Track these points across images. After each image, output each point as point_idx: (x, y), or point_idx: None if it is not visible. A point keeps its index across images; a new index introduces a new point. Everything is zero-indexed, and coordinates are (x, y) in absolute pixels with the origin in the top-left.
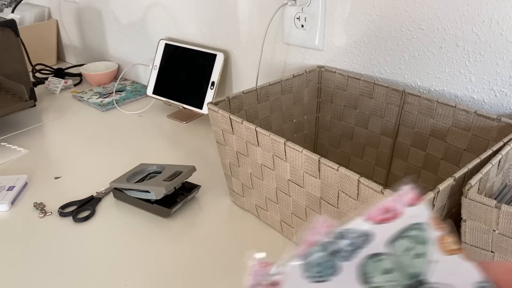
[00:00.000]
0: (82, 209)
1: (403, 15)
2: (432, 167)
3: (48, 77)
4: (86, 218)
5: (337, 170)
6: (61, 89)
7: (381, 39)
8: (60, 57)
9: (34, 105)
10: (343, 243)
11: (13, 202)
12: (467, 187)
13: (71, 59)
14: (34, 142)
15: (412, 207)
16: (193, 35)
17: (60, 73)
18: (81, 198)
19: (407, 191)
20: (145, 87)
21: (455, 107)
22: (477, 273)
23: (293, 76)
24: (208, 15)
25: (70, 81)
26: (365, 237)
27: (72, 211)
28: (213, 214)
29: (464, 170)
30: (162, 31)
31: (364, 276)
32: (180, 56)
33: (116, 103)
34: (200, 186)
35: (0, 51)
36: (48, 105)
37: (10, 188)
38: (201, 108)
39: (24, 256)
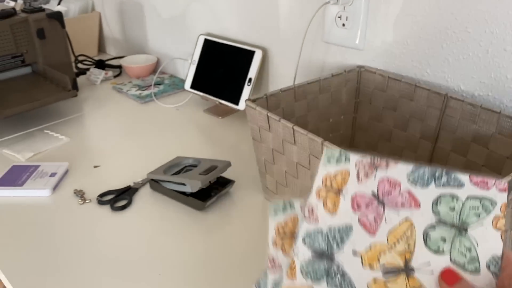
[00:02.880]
0: (120, 198)
1: (449, 17)
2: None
3: (89, 68)
4: (123, 207)
5: None
6: (102, 80)
7: (424, 40)
8: (101, 49)
9: (76, 95)
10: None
11: (55, 188)
12: None
13: (111, 51)
14: (75, 131)
15: (499, 192)
16: (232, 31)
17: (101, 65)
18: (118, 188)
19: (504, 182)
20: (183, 81)
21: (499, 113)
22: (499, 250)
23: (332, 76)
24: (248, 11)
25: (110, 73)
26: (460, 185)
27: (110, 200)
28: (246, 210)
29: None
30: (202, 26)
31: (437, 201)
32: (219, 51)
33: (154, 96)
34: (234, 181)
35: (46, 42)
36: (88, 95)
37: (52, 175)
38: (237, 104)
39: (63, 240)
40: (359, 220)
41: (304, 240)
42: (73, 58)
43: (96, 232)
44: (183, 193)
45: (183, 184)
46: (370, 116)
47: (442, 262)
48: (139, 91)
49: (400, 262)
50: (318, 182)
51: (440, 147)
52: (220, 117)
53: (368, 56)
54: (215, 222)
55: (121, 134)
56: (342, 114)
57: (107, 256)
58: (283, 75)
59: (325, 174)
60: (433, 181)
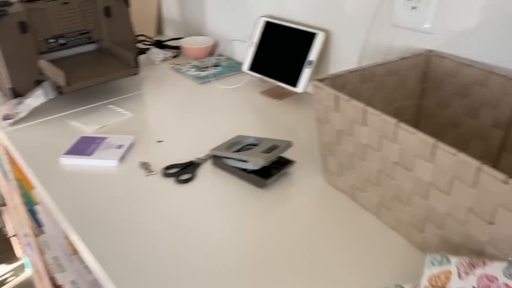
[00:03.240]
0: (183, 172)
1: None
2: None
3: (149, 48)
4: (187, 181)
5: (455, 155)
6: (161, 60)
7: (502, 24)
8: (158, 30)
9: (138, 72)
10: None
11: (121, 159)
12: None
13: (169, 32)
14: (137, 107)
15: None
16: (294, 12)
17: (159, 45)
18: (181, 162)
19: None
20: (240, 63)
21: None
22: None
23: (401, 59)
24: None
25: (169, 53)
26: None
27: (175, 173)
28: (305, 191)
29: None
30: (262, 8)
31: None
32: (279, 33)
33: (212, 77)
34: (294, 161)
35: (112, 20)
36: (148, 74)
37: (119, 147)
38: (296, 86)
39: (129, 207)
40: None
41: None
42: None
43: (160, 202)
44: (244, 170)
45: (246, 161)
46: (437, 102)
47: None
48: (198, 72)
49: None
50: (424, 283)
51: None
52: (277, 100)
53: (439, 40)
54: (274, 201)
55: (181, 112)
56: (408, 99)
57: (170, 225)
58: (345, 59)
59: (430, 276)
60: None
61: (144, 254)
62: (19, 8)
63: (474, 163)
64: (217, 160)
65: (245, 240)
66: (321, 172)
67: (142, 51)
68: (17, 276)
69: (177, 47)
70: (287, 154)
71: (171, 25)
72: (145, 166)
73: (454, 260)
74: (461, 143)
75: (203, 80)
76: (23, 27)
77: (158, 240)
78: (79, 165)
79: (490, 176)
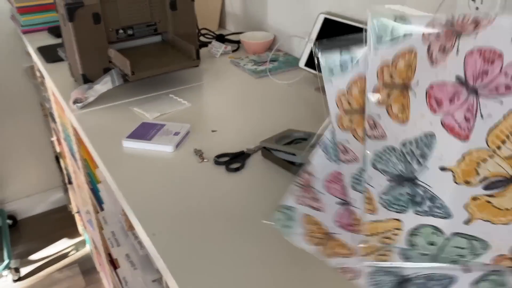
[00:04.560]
0: (234, 161)
1: None
2: None
3: (211, 41)
4: (237, 169)
5: None
6: (221, 54)
7: None
8: (221, 24)
9: (198, 65)
10: None
11: (177, 146)
12: None
13: (230, 26)
14: (195, 98)
15: None
16: (354, 10)
17: (220, 39)
18: (233, 152)
19: None
20: (297, 59)
21: None
22: None
23: None
24: None
25: (229, 47)
26: None
27: (225, 161)
28: None
29: None
30: (322, 4)
31: None
32: (338, 31)
33: (269, 71)
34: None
35: (177, 13)
36: (208, 67)
37: (176, 134)
38: None
39: (182, 192)
40: (443, 124)
41: (374, 164)
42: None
43: (210, 187)
44: (292, 163)
45: (294, 154)
46: None
47: None
48: (255, 66)
49: (509, 170)
50: (372, 78)
51: None
52: None
53: None
54: None
55: (236, 104)
56: None
57: (217, 208)
58: None
59: (380, 62)
60: None
61: (192, 233)
62: (93, 0)
63: None
64: (266, 151)
65: None
66: None
67: (204, 44)
68: (77, 250)
69: (237, 41)
70: None
71: (233, 20)
72: (199, 153)
73: (420, 24)
74: None
75: (259, 74)
76: (97, 18)
77: (206, 222)
78: (138, 148)
79: None
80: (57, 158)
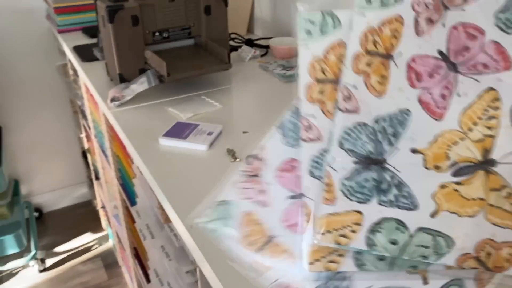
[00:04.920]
0: None
1: None
2: None
3: (241, 46)
4: None
5: None
6: (250, 58)
7: None
8: (249, 29)
9: (229, 68)
10: None
11: (211, 145)
12: None
13: (258, 31)
14: (226, 99)
15: None
16: None
17: (249, 43)
18: None
19: None
20: None
21: None
22: None
23: None
24: None
25: (258, 52)
26: None
27: None
28: None
29: None
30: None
31: None
32: None
33: (297, 76)
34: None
35: (210, 18)
36: (237, 70)
37: (209, 133)
38: None
39: (213, 187)
40: (420, 100)
41: (341, 143)
42: None
43: None
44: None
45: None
46: None
47: None
48: (284, 71)
49: (478, 154)
50: (354, 43)
51: None
52: None
53: None
54: None
55: (266, 107)
56: None
57: None
58: None
59: (365, 27)
60: None
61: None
62: (133, 3)
63: None
64: None
65: None
66: None
67: (234, 48)
68: (100, 245)
69: (265, 46)
70: None
71: (262, 25)
72: (231, 152)
73: None
74: None
75: (288, 79)
76: (135, 21)
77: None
78: (174, 146)
79: None
80: (84, 154)
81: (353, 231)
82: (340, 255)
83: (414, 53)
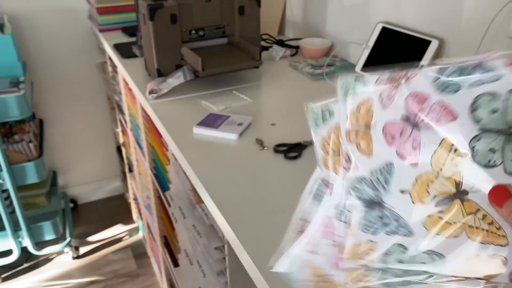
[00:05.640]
0: (292, 150)
1: None
2: None
3: (272, 46)
4: (294, 158)
5: None
6: (280, 57)
7: None
8: (280, 30)
9: (260, 65)
10: (475, 75)
11: (241, 134)
12: None
13: (289, 33)
14: (256, 95)
15: None
16: (410, 19)
17: (280, 44)
18: (291, 142)
19: None
20: (353, 65)
21: None
22: None
23: None
24: (430, 1)
25: (288, 52)
26: (496, 77)
27: (284, 150)
28: None
29: None
30: (381, 13)
31: (474, 105)
32: (394, 39)
33: (326, 75)
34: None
35: (244, 18)
36: (268, 69)
37: (240, 124)
38: None
39: (244, 173)
40: (397, 153)
41: (350, 192)
42: None
43: (269, 172)
44: None
45: None
46: None
47: (496, 175)
48: (312, 70)
49: (451, 188)
50: (343, 123)
51: None
52: None
53: None
54: None
55: (294, 102)
56: None
57: (276, 191)
58: None
59: (350, 111)
60: (463, 81)
61: (252, 207)
62: (172, 2)
63: None
64: None
65: None
66: None
67: (265, 48)
68: (131, 236)
69: (295, 47)
70: None
71: (292, 26)
72: (260, 142)
73: (372, 80)
74: None
75: (316, 77)
76: (174, 19)
77: (264, 199)
78: (207, 135)
79: None
80: (119, 148)
81: (369, 255)
82: (368, 271)
83: (385, 121)
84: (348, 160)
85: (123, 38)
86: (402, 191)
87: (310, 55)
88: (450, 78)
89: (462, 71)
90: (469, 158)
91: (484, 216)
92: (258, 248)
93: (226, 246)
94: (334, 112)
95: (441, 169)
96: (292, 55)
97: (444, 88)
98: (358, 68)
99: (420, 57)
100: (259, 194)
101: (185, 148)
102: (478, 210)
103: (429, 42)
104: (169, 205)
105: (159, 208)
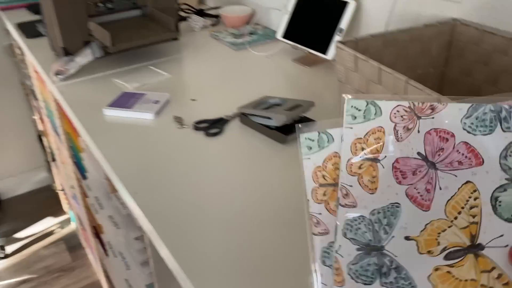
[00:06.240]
0: (213, 126)
1: None
2: None
3: (190, 16)
4: (215, 134)
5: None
6: (201, 28)
7: None
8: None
9: (177, 38)
10: None
11: (157, 113)
12: None
13: (210, 2)
14: (175, 69)
15: None
16: None
17: (200, 14)
18: (211, 118)
19: None
20: (275, 32)
21: None
22: None
23: (424, 26)
24: None
25: (208, 21)
26: None
27: (204, 127)
28: None
29: None
30: None
31: (506, 152)
32: (313, 2)
33: (248, 44)
34: (316, 121)
35: None
36: (188, 40)
37: (156, 102)
38: (326, 53)
39: (161, 154)
40: (407, 194)
41: (344, 234)
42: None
43: (189, 151)
44: (268, 126)
45: (269, 118)
46: (460, 70)
47: None
48: (234, 39)
49: (465, 240)
50: (346, 152)
51: None
52: (307, 67)
53: (465, 9)
54: (294, 156)
55: (215, 75)
56: (431, 66)
57: (196, 170)
58: (374, 27)
59: (354, 138)
60: (498, 124)
61: (171, 192)
62: None
63: None
64: (244, 117)
65: (265, 190)
66: None
67: (183, 18)
68: (63, 228)
69: (216, 16)
70: (312, 116)
71: None
72: (178, 120)
73: (387, 107)
74: None
75: (238, 47)
76: None
77: (184, 182)
78: (120, 116)
79: None
80: (40, 137)
81: None
82: None
83: (397, 156)
84: (346, 195)
85: (29, 16)
86: (408, 238)
87: (231, 24)
88: (483, 117)
89: (498, 113)
90: (490, 209)
91: (500, 276)
92: (178, 238)
93: (145, 236)
94: (334, 137)
95: (456, 218)
96: (213, 25)
97: (475, 128)
98: (279, 35)
99: (339, 19)
100: (178, 178)
101: (96, 133)
102: (493, 268)
103: (346, 3)
104: (87, 196)
105: (84, 197)
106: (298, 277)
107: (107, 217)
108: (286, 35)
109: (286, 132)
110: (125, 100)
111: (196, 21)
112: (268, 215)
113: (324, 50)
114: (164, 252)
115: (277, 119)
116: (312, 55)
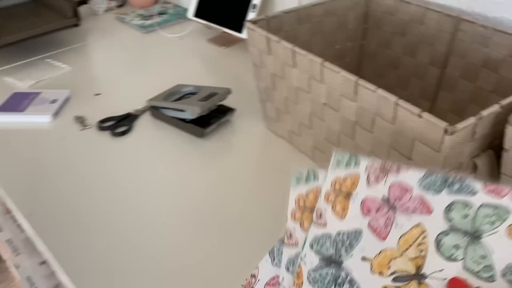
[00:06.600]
0: (120, 124)
1: None
2: (480, 101)
3: None
4: (123, 133)
5: (375, 91)
6: (105, 10)
7: None
8: None
9: (77, 25)
10: (456, 186)
11: (55, 114)
12: None
13: None
14: (77, 60)
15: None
16: None
17: None
18: (118, 114)
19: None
20: (187, 11)
21: None
22: None
23: None
24: None
25: (113, 3)
26: (473, 192)
27: (110, 126)
28: (246, 138)
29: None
30: None
31: (450, 207)
32: None
33: (158, 25)
34: (235, 109)
35: None
36: (91, 26)
37: (53, 101)
38: (241, 32)
39: (62, 163)
40: (369, 225)
41: (311, 245)
42: None
43: (96, 157)
44: (183, 120)
45: (183, 110)
46: (378, 42)
47: (455, 269)
48: (142, 21)
49: (412, 269)
50: (327, 186)
51: (449, 74)
52: (223, 47)
53: None
54: (215, 150)
55: (123, 63)
56: (349, 40)
57: (106, 179)
58: (290, 2)
59: (335, 178)
60: (445, 188)
61: (73, 209)
62: None
63: (392, 98)
64: (155, 111)
65: (183, 190)
66: (262, 119)
67: (84, 1)
68: None
69: None
70: (230, 103)
71: None
72: (80, 120)
73: (364, 162)
74: (401, 83)
75: (147, 29)
76: None
77: (89, 194)
78: (11, 122)
79: (405, 110)
80: None
81: None
82: None
83: (366, 195)
84: (319, 217)
85: None
86: (364, 258)
87: (139, 4)
88: (435, 181)
89: (447, 179)
90: (434, 248)
91: None
92: (79, 265)
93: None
94: (319, 177)
95: (406, 250)
96: (118, 6)
97: (428, 187)
98: (191, 13)
99: None
100: (82, 190)
101: None
102: None
103: None
104: None
105: None
106: (218, 274)
107: (4, 241)
108: (198, 14)
109: (203, 124)
110: (16, 103)
111: (99, 3)
112: (188, 219)
113: (239, 29)
114: (64, 279)
115: (191, 111)
116: (227, 34)
